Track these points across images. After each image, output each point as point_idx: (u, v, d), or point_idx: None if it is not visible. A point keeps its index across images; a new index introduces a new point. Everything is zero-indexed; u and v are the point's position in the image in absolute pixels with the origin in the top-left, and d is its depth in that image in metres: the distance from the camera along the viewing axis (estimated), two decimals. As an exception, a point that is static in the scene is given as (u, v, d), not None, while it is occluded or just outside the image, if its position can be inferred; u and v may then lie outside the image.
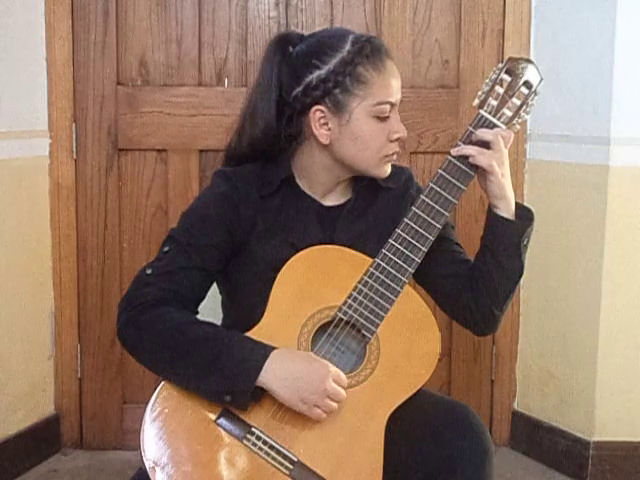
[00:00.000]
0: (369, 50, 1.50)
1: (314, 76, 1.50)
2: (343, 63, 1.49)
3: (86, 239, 2.55)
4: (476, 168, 1.50)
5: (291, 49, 1.55)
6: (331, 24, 2.53)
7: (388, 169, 1.57)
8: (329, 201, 1.60)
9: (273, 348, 1.40)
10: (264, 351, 1.40)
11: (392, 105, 1.52)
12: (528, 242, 1.55)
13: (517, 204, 1.53)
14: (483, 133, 1.49)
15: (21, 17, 2.40)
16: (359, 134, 1.51)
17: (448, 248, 1.62)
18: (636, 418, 2.42)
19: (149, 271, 1.49)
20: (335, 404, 1.39)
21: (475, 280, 1.56)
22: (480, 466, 1.42)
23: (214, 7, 2.52)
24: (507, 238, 1.52)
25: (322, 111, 1.51)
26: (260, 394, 1.40)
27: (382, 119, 1.51)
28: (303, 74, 1.51)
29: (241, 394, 1.38)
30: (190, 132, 2.53)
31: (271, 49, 1.56)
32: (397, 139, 1.54)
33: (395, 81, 1.52)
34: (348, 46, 1.50)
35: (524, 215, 1.53)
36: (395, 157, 1.56)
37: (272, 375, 1.38)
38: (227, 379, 1.38)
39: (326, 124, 1.52)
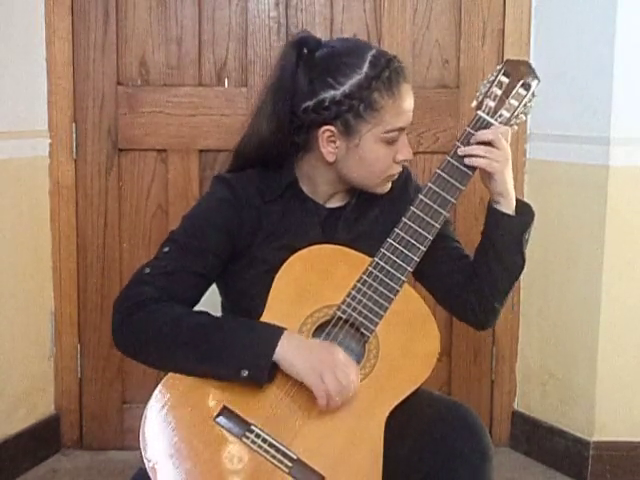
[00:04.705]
0: (387, 75, 1.47)
1: (328, 96, 1.48)
2: (359, 87, 1.46)
3: (86, 239, 2.55)
4: (475, 168, 1.50)
5: (308, 54, 1.52)
6: (331, 24, 2.53)
7: (388, 186, 1.58)
8: (331, 203, 1.61)
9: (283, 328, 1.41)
10: (276, 329, 1.40)
11: (402, 129, 1.52)
12: (529, 237, 1.56)
13: (517, 200, 1.54)
14: (483, 135, 1.49)
15: (21, 17, 2.40)
16: (366, 157, 1.51)
17: (448, 245, 1.63)
18: (636, 418, 2.42)
19: (147, 270, 1.49)
20: (352, 376, 1.38)
21: (476, 275, 1.57)
22: (480, 466, 1.43)
23: (214, 7, 2.52)
24: (509, 233, 1.53)
25: (331, 131, 1.50)
26: (263, 391, 1.39)
27: (390, 143, 1.51)
28: (317, 89, 1.49)
29: (260, 368, 1.38)
30: (190, 132, 2.53)
31: (287, 52, 1.53)
32: (402, 160, 1.54)
33: (409, 105, 1.51)
34: (366, 68, 1.47)
35: (524, 211, 1.54)
36: (397, 176, 1.57)
37: (288, 348, 1.38)
38: (244, 354, 1.38)
39: (334, 142, 1.51)
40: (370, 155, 1.51)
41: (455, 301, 1.63)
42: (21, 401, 2.46)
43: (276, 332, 1.40)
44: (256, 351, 1.38)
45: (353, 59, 1.48)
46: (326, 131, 1.50)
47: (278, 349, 1.38)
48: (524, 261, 1.56)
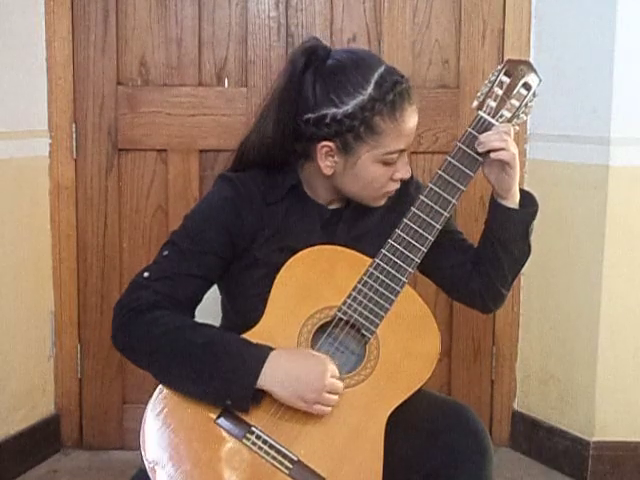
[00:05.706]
0: (390, 99, 1.45)
1: (330, 112, 1.46)
2: (361, 108, 1.44)
3: (86, 239, 2.55)
4: (477, 168, 1.50)
5: (316, 62, 1.50)
6: (331, 24, 2.52)
7: (383, 201, 1.58)
8: (332, 205, 1.61)
9: (270, 349, 1.40)
10: (262, 354, 1.39)
11: (402, 151, 1.51)
12: (534, 225, 1.57)
13: (520, 190, 1.55)
14: (492, 142, 1.47)
15: (21, 18, 2.40)
16: (362, 176, 1.50)
17: (453, 238, 1.65)
18: (636, 418, 2.42)
19: (146, 274, 1.49)
20: (336, 397, 1.39)
21: (483, 265, 1.59)
22: (480, 466, 1.43)
23: (214, 7, 2.52)
24: (516, 227, 1.55)
25: (329, 147, 1.49)
26: (261, 395, 1.40)
27: (389, 164, 1.50)
28: (320, 103, 1.47)
29: (241, 398, 1.38)
30: (190, 132, 2.53)
31: (296, 58, 1.50)
32: (400, 179, 1.54)
33: (411, 128, 1.49)
34: (370, 88, 1.45)
35: (528, 202, 1.55)
36: (394, 192, 1.56)
37: (270, 378, 1.38)
38: (226, 385, 1.38)
39: (332, 156, 1.50)
40: (367, 174, 1.50)
41: (463, 291, 1.65)
42: (21, 401, 2.45)
43: (259, 361, 1.39)
44: (238, 384, 1.38)
45: (359, 77, 1.46)
46: (324, 146, 1.49)
47: (260, 381, 1.38)
48: (530, 249, 1.58)
